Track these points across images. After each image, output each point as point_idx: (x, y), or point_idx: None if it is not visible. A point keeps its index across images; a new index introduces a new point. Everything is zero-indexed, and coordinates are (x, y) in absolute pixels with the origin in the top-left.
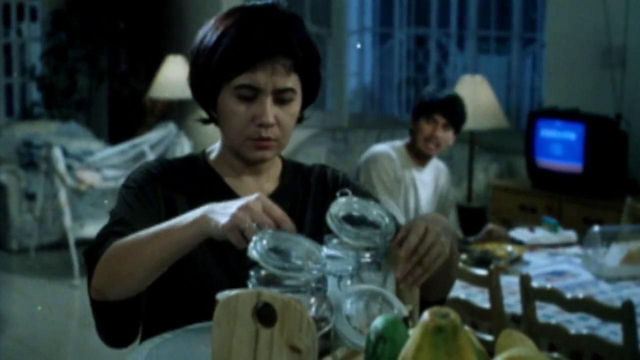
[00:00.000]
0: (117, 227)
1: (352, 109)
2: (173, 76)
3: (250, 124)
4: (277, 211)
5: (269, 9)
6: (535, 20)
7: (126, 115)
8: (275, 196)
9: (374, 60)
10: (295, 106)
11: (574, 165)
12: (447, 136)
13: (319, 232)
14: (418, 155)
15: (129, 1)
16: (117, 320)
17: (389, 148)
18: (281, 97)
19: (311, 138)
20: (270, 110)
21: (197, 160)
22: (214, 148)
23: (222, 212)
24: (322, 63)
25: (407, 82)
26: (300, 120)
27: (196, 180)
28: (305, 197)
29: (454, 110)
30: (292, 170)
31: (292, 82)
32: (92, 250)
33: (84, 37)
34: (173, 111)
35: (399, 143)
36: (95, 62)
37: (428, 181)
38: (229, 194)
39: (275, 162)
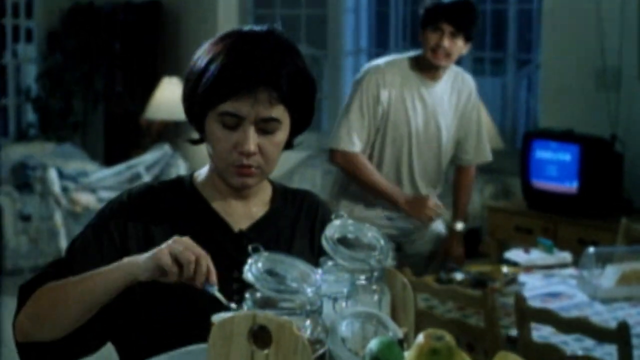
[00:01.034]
0: (57, 269)
1: None
2: (169, 97)
3: (232, 151)
4: (203, 252)
5: (262, 36)
6: (530, 41)
7: (122, 136)
8: (263, 220)
9: None
10: (281, 136)
11: (569, 187)
12: (457, 45)
13: (307, 259)
14: (427, 68)
15: (124, 23)
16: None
17: (384, 63)
18: (264, 127)
19: (306, 160)
20: (253, 139)
21: (183, 184)
22: (202, 171)
23: (149, 253)
24: (316, 92)
25: None
26: (290, 146)
27: (181, 204)
28: (295, 223)
29: (461, 17)
30: (283, 195)
31: (277, 112)
32: (26, 287)
33: (80, 58)
34: (169, 132)
35: (403, 56)
36: (91, 83)
37: (442, 96)
38: (215, 218)
39: (265, 186)
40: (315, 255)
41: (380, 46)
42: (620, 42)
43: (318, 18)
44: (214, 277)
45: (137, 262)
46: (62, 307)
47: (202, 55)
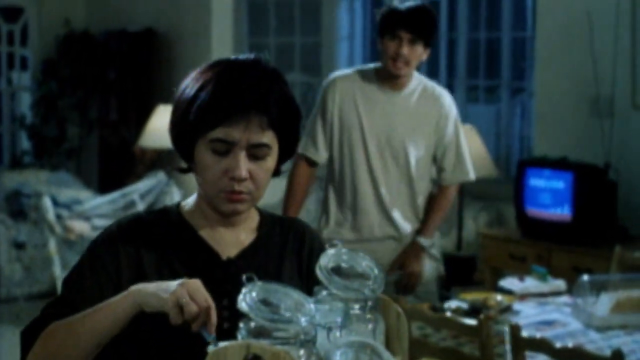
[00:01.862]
0: (57, 308)
1: None
2: (163, 125)
3: (223, 177)
4: (209, 299)
5: (250, 64)
6: (524, 69)
7: (116, 164)
8: (251, 248)
9: None
10: (270, 161)
11: (563, 214)
12: (416, 52)
13: (297, 285)
14: (388, 77)
15: (119, 50)
16: None
17: (352, 71)
18: (255, 153)
19: None
20: (244, 165)
21: (170, 213)
22: (190, 200)
23: (157, 287)
24: (301, 119)
25: None
26: (277, 174)
27: (168, 234)
28: (283, 251)
29: (419, 23)
30: (270, 223)
31: (267, 138)
32: (28, 331)
33: (74, 86)
34: (163, 160)
35: (367, 66)
36: (86, 111)
37: (405, 106)
38: (203, 246)
39: (252, 213)
40: (304, 281)
41: None
42: (614, 69)
43: (312, 46)
44: (212, 329)
45: (145, 294)
46: (72, 344)
47: (190, 83)
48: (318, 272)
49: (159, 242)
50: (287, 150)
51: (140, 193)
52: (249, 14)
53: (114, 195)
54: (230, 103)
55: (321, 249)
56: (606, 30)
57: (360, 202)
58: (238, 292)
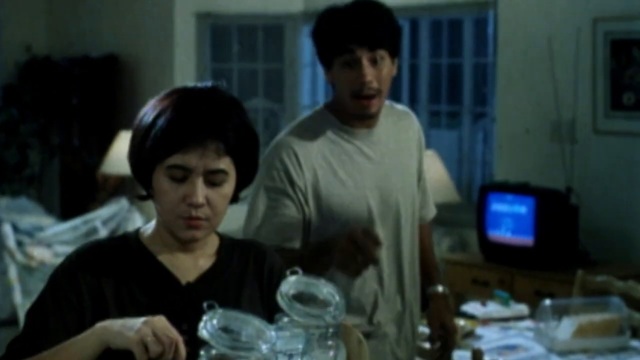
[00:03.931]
0: (22, 344)
1: None
2: (126, 151)
3: (181, 204)
4: (175, 334)
5: (207, 92)
6: (486, 94)
7: (78, 190)
8: (211, 272)
9: None
10: (228, 187)
11: (525, 239)
12: (384, 70)
13: (256, 312)
14: (355, 117)
15: (81, 76)
16: None
17: (289, 132)
18: (212, 179)
19: None
20: (201, 191)
21: (129, 239)
22: (149, 226)
23: (122, 325)
24: (259, 146)
25: None
26: (236, 200)
27: (128, 260)
28: (243, 274)
29: (377, 30)
30: (230, 247)
31: (224, 164)
32: None
33: (36, 112)
34: (125, 186)
35: (314, 112)
36: (47, 136)
37: (386, 143)
38: (163, 272)
39: (212, 238)
40: (265, 304)
41: None
42: (575, 94)
43: (275, 72)
44: None
45: (110, 333)
46: None
47: (148, 111)
48: (279, 299)
49: (119, 269)
50: (246, 177)
51: (102, 219)
52: (212, 39)
53: (76, 221)
54: (186, 130)
55: (281, 272)
56: (567, 55)
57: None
58: (198, 317)
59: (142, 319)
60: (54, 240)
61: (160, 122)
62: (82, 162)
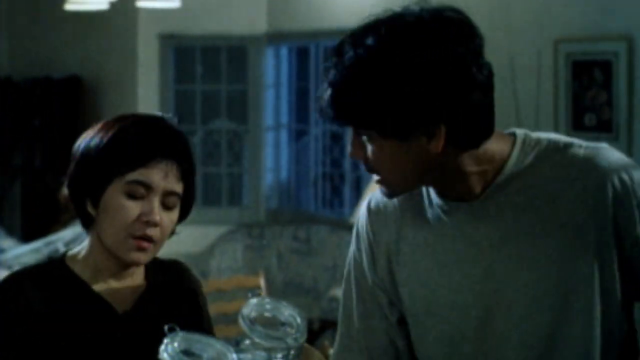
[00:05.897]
0: None
1: (269, 205)
2: None
3: (135, 222)
4: None
5: (157, 118)
6: None
7: (40, 212)
8: (144, 297)
9: (290, 156)
10: (175, 214)
11: None
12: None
13: (192, 326)
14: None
15: (43, 97)
16: None
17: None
18: (167, 202)
19: (227, 234)
20: (158, 210)
21: (55, 265)
22: (79, 250)
23: None
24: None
25: (323, 177)
26: (172, 232)
27: (55, 287)
28: (173, 293)
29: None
30: (156, 270)
31: (179, 188)
32: None
33: None
34: None
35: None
36: (9, 158)
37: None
38: (99, 301)
39: None
40: (199, 321)
41: (300, 121)
42: (536, 115)
43: (238, 93)
44: None
45: None
46: None
47: (99, 133)
48: (240, 321)
49: (48, 295)
50: (184, 207)
51: (64, 241)
52: (175, 61)
53: (38, 244)
54: (153, 145)
55: (199, 290)
56: (528, 76)
57: None
58: (139, 345)
59: None
60: (15, 262)
61: (123, 136)
62: (44, 184)
